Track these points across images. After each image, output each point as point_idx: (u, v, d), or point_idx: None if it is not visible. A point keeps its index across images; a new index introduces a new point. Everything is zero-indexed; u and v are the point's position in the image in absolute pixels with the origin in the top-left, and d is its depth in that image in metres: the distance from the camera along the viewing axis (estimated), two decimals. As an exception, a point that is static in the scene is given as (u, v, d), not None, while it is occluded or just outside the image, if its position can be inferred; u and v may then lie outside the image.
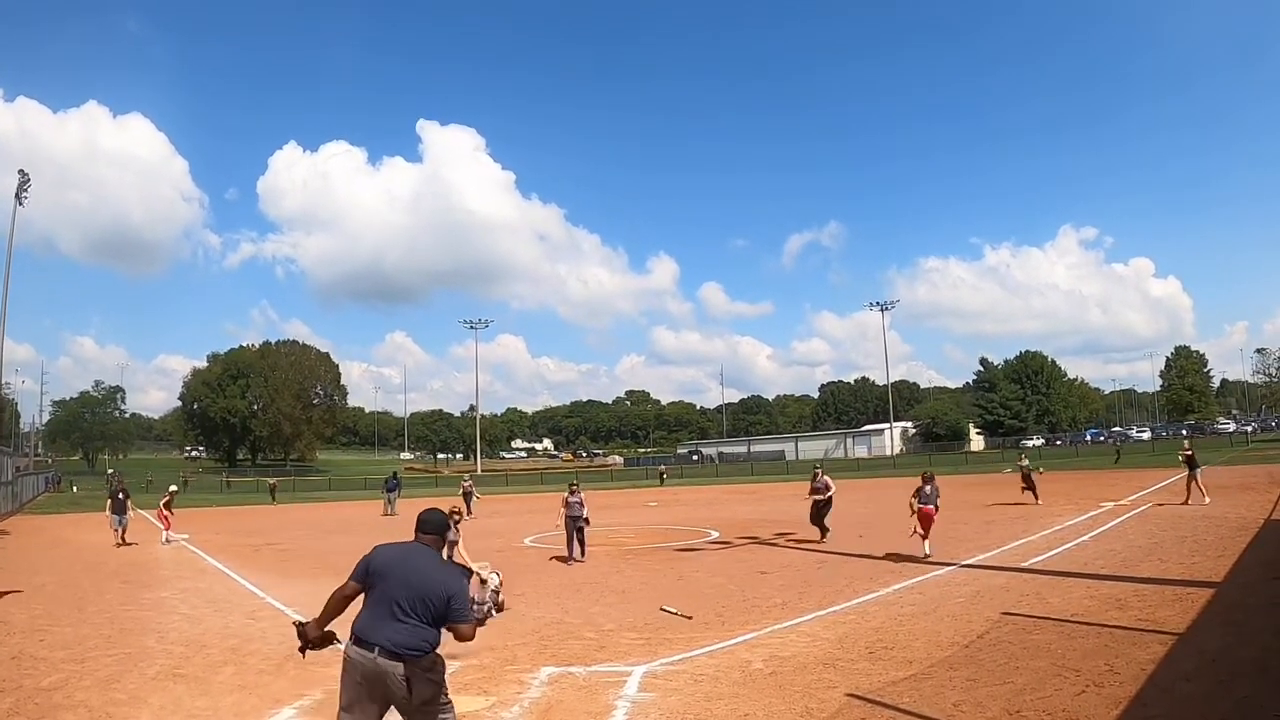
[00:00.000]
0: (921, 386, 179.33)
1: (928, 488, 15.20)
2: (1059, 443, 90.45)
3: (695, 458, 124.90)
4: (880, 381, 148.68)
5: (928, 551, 14.47)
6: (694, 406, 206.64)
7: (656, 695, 6.75)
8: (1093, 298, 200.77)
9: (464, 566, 10.70)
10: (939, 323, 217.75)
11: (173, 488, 27.54)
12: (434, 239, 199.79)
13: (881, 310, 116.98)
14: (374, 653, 4.14)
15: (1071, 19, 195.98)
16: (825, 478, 18.15)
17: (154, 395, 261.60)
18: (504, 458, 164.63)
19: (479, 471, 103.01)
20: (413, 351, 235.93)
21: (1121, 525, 17.46)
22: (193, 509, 39.25)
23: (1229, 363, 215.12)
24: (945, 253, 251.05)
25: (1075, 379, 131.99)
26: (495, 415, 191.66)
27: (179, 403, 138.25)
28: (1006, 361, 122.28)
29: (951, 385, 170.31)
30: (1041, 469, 25.30)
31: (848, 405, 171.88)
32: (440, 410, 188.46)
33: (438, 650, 4.32)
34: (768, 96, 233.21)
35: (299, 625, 4.64)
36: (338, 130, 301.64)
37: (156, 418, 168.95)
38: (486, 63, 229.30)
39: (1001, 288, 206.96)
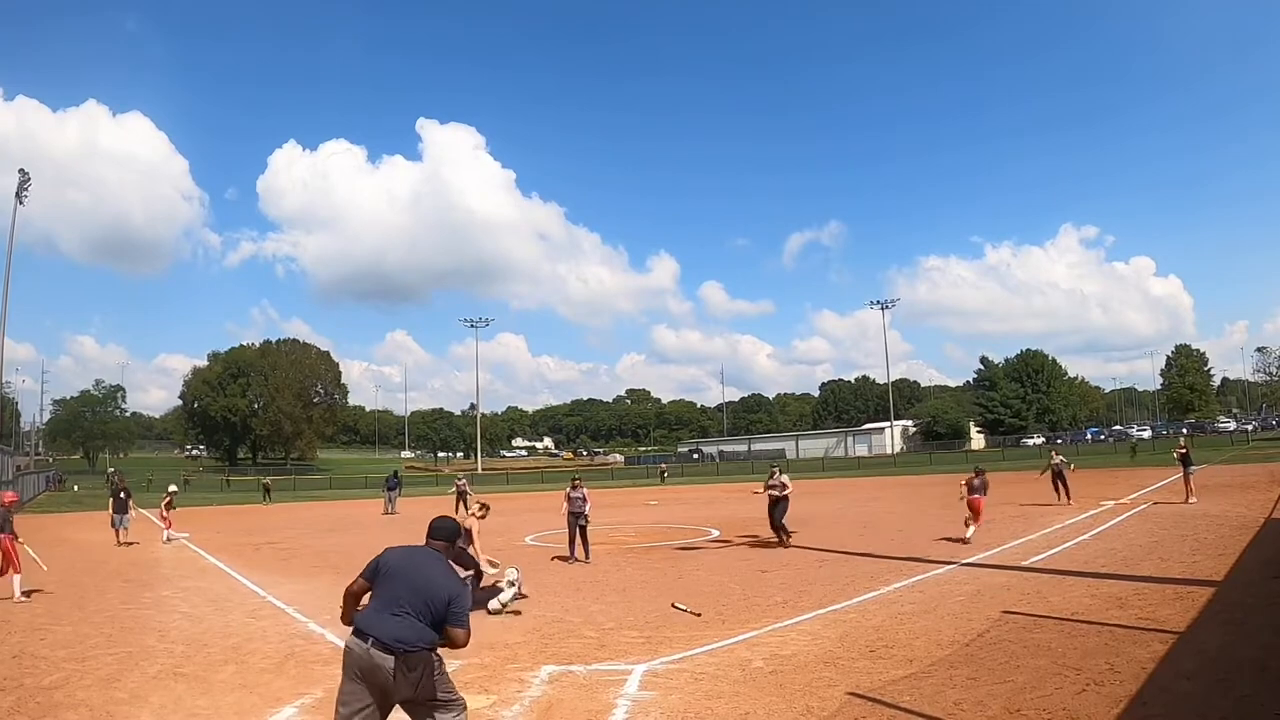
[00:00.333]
0: (922, 385, 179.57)
1: (977, 480, 16.59)
2: (1059, 441, 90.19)
3: (696, 456, 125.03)
4: (881, 380, 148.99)
5: (968, 537, 15.77)
6: (694, 405, 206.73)
7: (657, 694, 6.75)
8: (1093, 296, 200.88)
9: (474, 566, 10.74)
10: (939, 321, 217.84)
11: (172, 488, 27.59)
12: (434, 238, 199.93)
13: (882, 309, 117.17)
14: (368, 644, 4.24)
15: (1072, 17, 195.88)
16: (783, 476, 17.37)
17: (154, 394, 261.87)
18: (505, 456, 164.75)
19: (479, 470, 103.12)
20: (413, 350, 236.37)
21: (1122, 524, 17.46)
22: (193, 508, 39.28)
23: (1229, 361, 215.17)
24: (946, 251, 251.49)
25: (1076, 378, 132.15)
26: (496, 414, 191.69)
27: (179, 402, 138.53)
28: (1007, 360, 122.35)
29: (952, 384, 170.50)
30: (1073, 465, 24.79)
31: (848, 404, 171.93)
32: (441, 409, 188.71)
33: (435, 651, 4.37)
34: (768, 95, 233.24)
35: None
36: (337, 129, 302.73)
37: (157, 417, 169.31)
38: (486, 61, 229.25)
39: (1002, 286, 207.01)
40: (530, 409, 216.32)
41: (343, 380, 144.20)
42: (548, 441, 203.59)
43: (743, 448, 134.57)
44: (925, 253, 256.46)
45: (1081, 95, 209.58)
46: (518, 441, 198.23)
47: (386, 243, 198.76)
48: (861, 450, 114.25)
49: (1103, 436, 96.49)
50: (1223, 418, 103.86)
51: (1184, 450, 22.75)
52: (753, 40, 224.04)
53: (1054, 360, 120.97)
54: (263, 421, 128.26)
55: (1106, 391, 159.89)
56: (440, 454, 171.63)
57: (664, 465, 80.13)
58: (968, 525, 16.05)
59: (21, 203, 52.22)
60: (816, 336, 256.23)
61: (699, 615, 9.95)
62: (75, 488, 65.65)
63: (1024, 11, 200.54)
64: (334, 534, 25.27)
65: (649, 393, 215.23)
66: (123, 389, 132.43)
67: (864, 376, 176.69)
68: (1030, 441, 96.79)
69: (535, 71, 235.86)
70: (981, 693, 6.28)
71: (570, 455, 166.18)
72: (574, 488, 16.08)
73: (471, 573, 10.58)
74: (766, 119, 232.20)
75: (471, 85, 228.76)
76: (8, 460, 42.42)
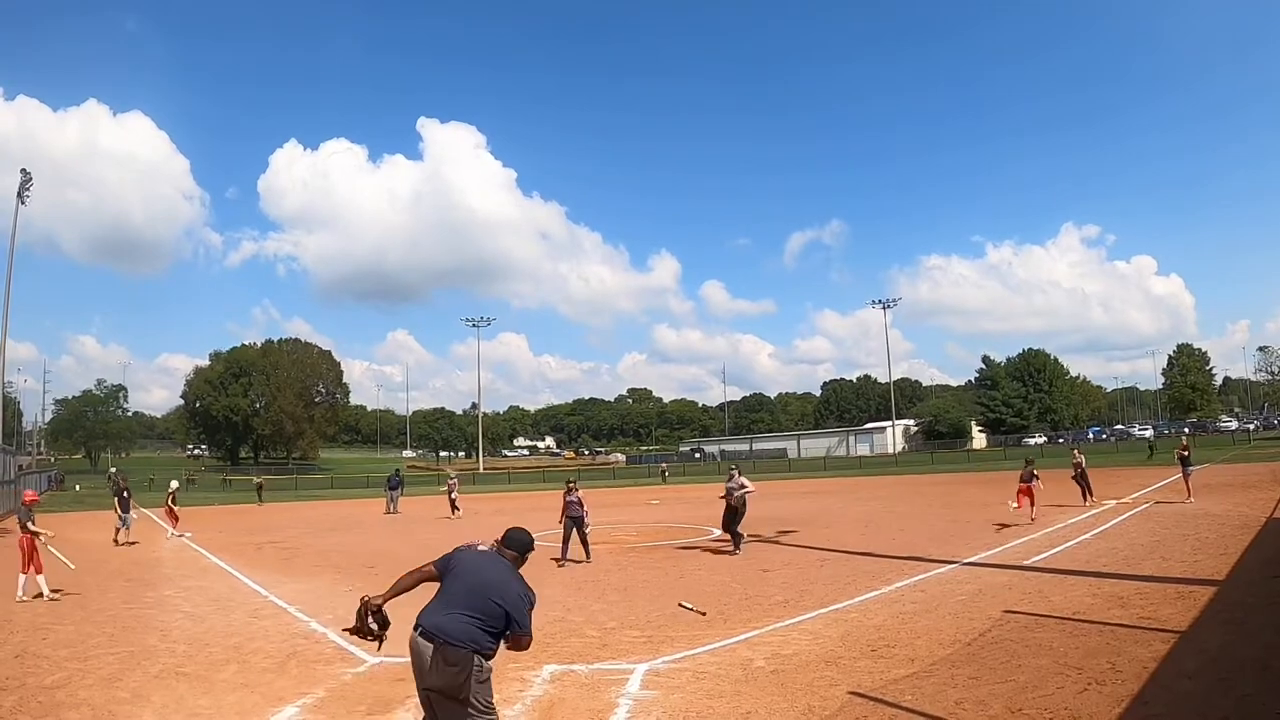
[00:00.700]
0: (923, 384, 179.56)
1: (1028, 469, 19.24)
2: (1061, 440, 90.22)
3: (697, 455, 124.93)
4: (882, 379, 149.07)
5: (1032, 518, 18.32)
6: (696, 404, 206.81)
7: (659, 693, 6.76)
8: (1095, 295, 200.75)
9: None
10: (941, 321, 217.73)
11: (174, 484, 27.64)
12: (435, 237, 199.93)
13: (883, 308, 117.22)
14: (417, 632, 4.45)
15: (1073, 17, 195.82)
16: (742, 478, 16.88)
17: (156, 394, 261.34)
18: (506, 456, 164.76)
19: (481, 470, 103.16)
20: (414, 350, 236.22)
21: (1123, 523, 17.45)
22: (194, 508, 39.27)
23: (1231, 361, 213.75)
24: (947, 251, 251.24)
25: (1077, 377, 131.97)
26: (497, 413, 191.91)
27: (181, 401, 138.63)
28: (1009, 359, 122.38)
29: (953, 383, 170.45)
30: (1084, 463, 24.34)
31: (850, 403, 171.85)
32: (442, 408, 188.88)
33: (483, 654, 4.38)
34: (769, 95, 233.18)
35: (362, 600, 4.97)
36: (338, 128, 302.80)
37: (159, 416, 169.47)
38: (487, 61, 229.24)
39: (1003, 285, 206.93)
40: (532, 408, 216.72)
41: (344, 380, 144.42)
42: (549, 441, 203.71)
43: (744, 447, 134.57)
44: (927, 252, 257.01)
45: (1082, 95, 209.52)
46: (519, 441, 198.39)
47: (388, 242, 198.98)
48: (863, 450, 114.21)
49: (1104, 436, 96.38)
50: (1224, 417, 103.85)
51: (1185, 451, 22.78)
52: (754, 40, 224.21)
53: (1056, 359, 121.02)
54: (264, 421, 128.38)
55: (1108, 391, 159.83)
56: (442, 453, 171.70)
57: (665, 465, 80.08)
58: (1019, 509, 18.66)
59: (24, 203, 52.17)
60: (818, 336, 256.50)
61: (704, 614, 9.96)
62: (77, 487, 65.70)
63: (1025, 11, 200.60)
64: (336, 533, 25.28)
65: (650, 392, 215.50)
66: (124, 389, 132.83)
67: (865, 376, 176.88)
68: (1032, 441, 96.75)
69: (536, 71, 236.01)
70: (983, 692, 6.27)
71: (572, 455, 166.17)
72: (569, 491, 15.98)
73: None
74: (768, 118, 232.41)
75: (472, 85, 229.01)
76: (10, 460, 42.36)
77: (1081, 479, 22.44)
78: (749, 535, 17.17)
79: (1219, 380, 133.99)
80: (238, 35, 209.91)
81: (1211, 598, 9.26)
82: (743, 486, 16.53)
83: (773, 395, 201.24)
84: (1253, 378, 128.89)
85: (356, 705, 6.65)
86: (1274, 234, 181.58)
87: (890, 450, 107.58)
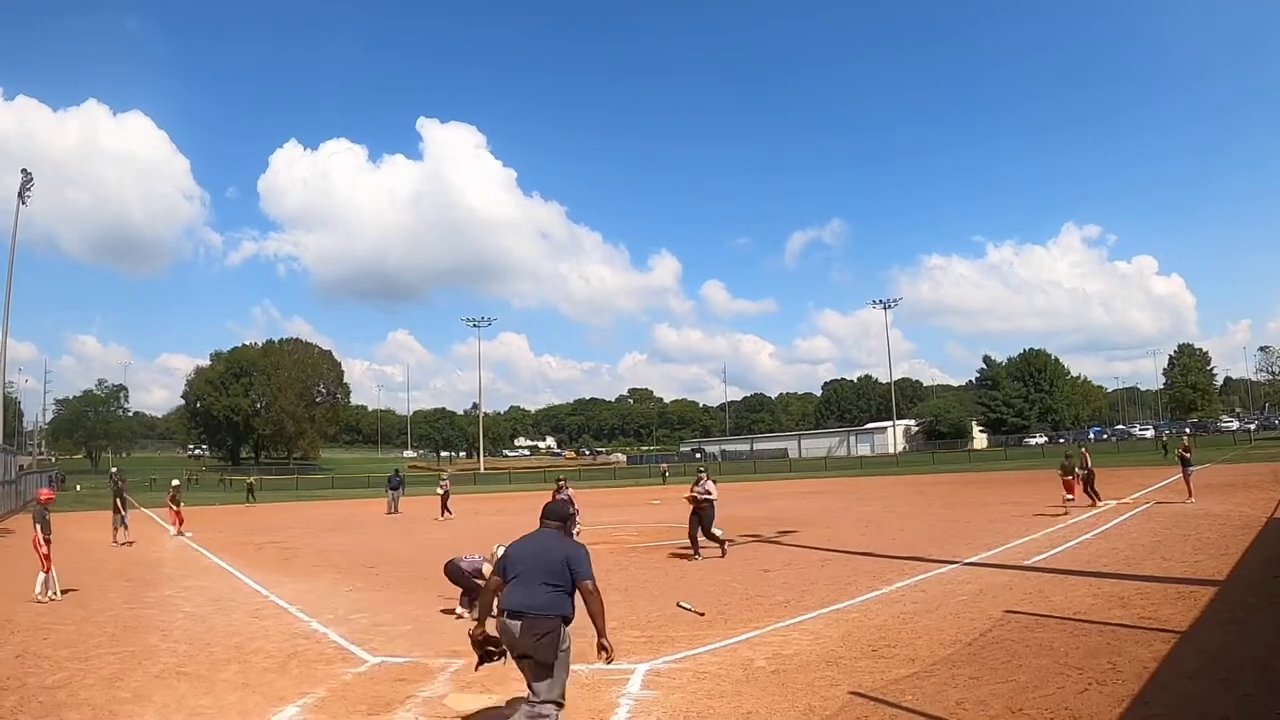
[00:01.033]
0: (924, 384, 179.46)
1: (1069, 462, 21.86)
2: (1061, 440, 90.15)
3: (698, 456, 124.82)
4: (883, 379, 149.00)
5: (1072, 500, 21.17)
6: (697, 404, 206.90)
7: (659, 693, 6.76)
8: (1096, 295, 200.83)
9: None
10: (942, 321, 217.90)
11: (175, 481, 27.68)
12: (435, 237, 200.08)
13: (884, 308, 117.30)
14: (504, 615, 4.99)
15: (1073, 17, 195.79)
16: (708, 483, 16.28)
17: (157, 394, 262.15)
18: (507, 456, 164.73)
19: (482, 470, 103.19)
20: (415, 350, 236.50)
21: (1124, 523, 17.45)
22: (195, 507, 39.25)
23: (1232, 361, 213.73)
24: (948, 250, 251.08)
25: (1078, 377, 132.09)
26: (498, 413, 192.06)
27: (182, 401, 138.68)
28: (1009, 359, 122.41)
29: (954, 383, 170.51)
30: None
31: (850, 403, 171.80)
32: (443, 408, 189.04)
33: (562, 619, 5.04)
34: (770, 94, 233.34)
35: (473, 635, 5.43)
36: (338, 128, 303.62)
37: (160, 416, 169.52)
38: (487, 61, 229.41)
39: (1004, 285, 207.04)
40: (533, 408, 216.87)
41: (345, 380, 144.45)
42: (550, 441, 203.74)
43: (745, 447, 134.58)
44: (927, 251, 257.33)
45: (1083, 94, 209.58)
46: (520, 441, 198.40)
47: (388, 242, 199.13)
48: (864, 450, 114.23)
49: (1105, 436, 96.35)
50: (1225, 417, 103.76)
51: (1187, 450, 22.78)
52: (754, 40, 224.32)
53: (1056, 359, 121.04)
54: (265, 421, 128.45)
55: (1109, 391, 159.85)
56: (443, 453, 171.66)
57: (666, 465, 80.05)
58: (1071, 495, 21.44)
59: (24, 203, 52.17)
60: (819, 336, 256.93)
61: (702, 615, 9.95)
62: (78, 487, 65.70)
63: (1026, 11, 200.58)
64: (336, 533, 25.30)
65: (651, 392, 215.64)
66: (125, 388, 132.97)
67: (866, 376, 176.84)
68: (1033, 441, 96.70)
69: (536, 71, 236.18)
70: (984, 692, 6.27)
71: (573, 455, 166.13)
72: (559, 490, 15.79)
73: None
74: (768, 118, 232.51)
75: (472, 85, 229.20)
76: (11, 460, 42.38)
77: (1088, 481, 22.34)
78: (749, 536, 17.15)
79: (1220, 380, 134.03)
80: (238, 35, 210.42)
81: (1212, 598, 9.26)
82: (708, 492, 16.01)
83: (773, 395, 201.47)
84: (1254, 378, 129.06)
85: (357, 705, 6.65)
86: (1275, 234, 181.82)
87: (891, 450, 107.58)
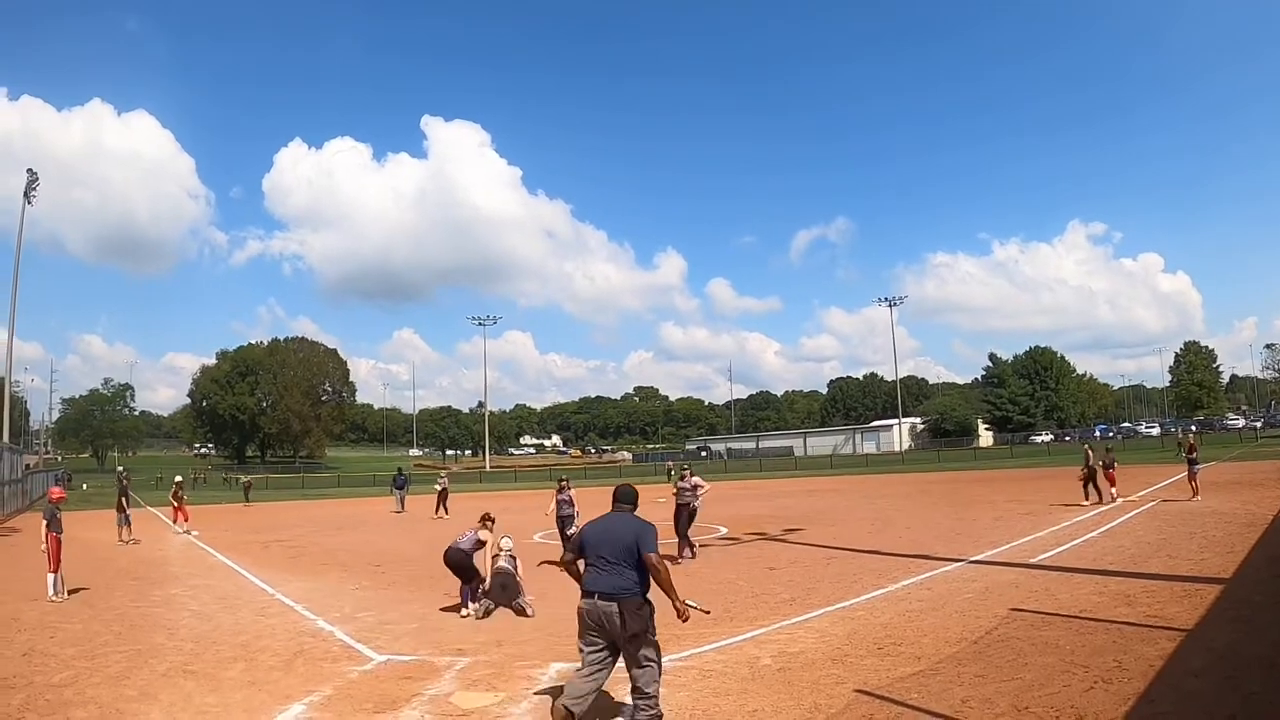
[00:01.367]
0: (930, 382, 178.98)
1: (1109, 456, 22.71)
2: (1068, 439, 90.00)
3: (704, 454, 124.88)
4: (889, 377, 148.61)
5: (1115, 497, 21.68)
6: (702, 402, 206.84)
7: (665, 691, 6.72)
8: (1101, 293, 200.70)
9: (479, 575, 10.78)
10: (947, 318, 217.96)
11: (178, 478, 27.76)
12: (440, 235, 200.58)
13: (890, 306, 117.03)
14: (594, 599, 5.56)
15: (1079, 15, 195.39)
16: (695, 478, 16.00)
17: (163, 393, 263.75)
18: (513, 454, 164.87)
19: (487, 468, 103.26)
20: (420, 348, 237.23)
21: (1130, 521, 17.40)
22: (200, 506, 39.33)
23: (1238, 358, 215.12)
24: (953, 248, 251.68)
25: (1084, 374, 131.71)
26: (504, 412, 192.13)
27: (188, 400, 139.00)
28: (1015, 357, 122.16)
29: (960, 381, 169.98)
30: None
31: (856, 401, 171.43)
32: (449, 407, 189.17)
33: (645, 594, 5.60)
34: (775, 93, 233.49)
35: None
36: (343, 127, 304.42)
37: (166, 415, 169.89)
38: (492, 60, 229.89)
39: (1010, 283, 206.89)
40: (538, 406, 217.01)
41: (350, 378, 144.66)
42: (556, 439, 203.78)
43: (750, 445, 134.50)
44: (933, 249, 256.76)
45: (1089, 92, 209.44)
46: (526, 439, 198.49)
47: (393, 241, 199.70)
48: (869, 448, 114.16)
49: (1111, 434, 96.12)
50: (1231, 414, 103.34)
51: (1193, 449, 22.70)
52: (760, 38, 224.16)
53: (1062, 357, 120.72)
54: (271, 420, 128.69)
55: (1115, 388, 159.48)
56: (448, 452, 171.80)
57: (671, 463, 79.94)
58: (1111, 487, 22.14)
59: (30, 203, 52.25)
60: (824, 334, 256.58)
61: (708, 613, 9.93)
62: (84, 486, 65.87)
63: (1031, 9, 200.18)
64: (342, 532, 25.34)
65: (657, 390, 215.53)
66: (131, 388, 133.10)
67: (872, 374, 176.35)
68: (1039, 439, 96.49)
69: (541, 70, 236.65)
70: (989, 690, 6.26)
71: (578, 453, 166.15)
72: (560, 490, 15.61)
73: (478, 581, 10.69)
74: (772, 117, 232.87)
75: (476, 83, 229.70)
76: (17, 459, 42.54)
77: (1092, 478, 22.14)
78: (755, 534, 17.11)
79: (1226, 378, 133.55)
80: (242, 34, 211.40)
81: (1218, 596, 9.23)
82: (697, 487, 15.74)
83: (779, 393, 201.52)
84: (1260, 375, 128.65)
85: (363, 703, 6.66)
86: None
87: (897, 448, 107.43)
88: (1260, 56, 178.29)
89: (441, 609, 11.00)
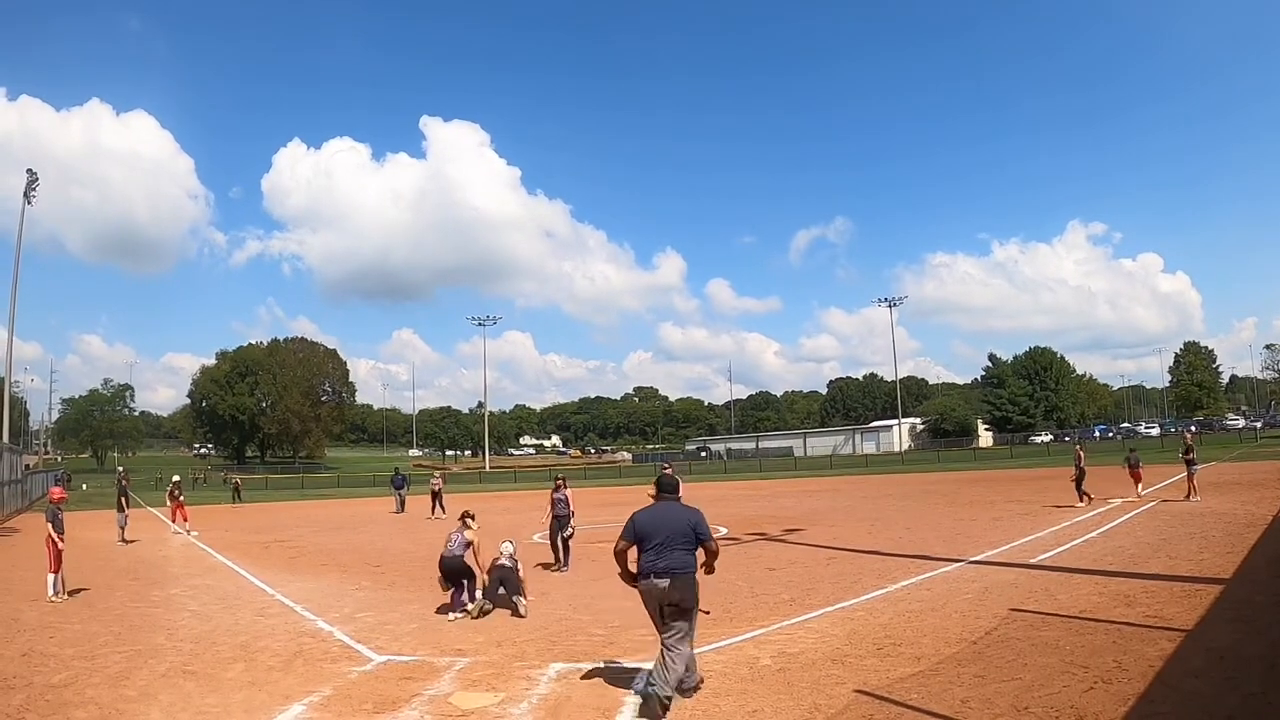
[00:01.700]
0: (930, 383, 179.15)
1: (1134, 455, 23.62)
2: (1067, 439, 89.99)
3: (704, 454, 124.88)
4: (888, 377, 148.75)
5: (1140, 493, 22.47)
6: (702, 403, 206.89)
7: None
8: (1101, 293, 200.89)
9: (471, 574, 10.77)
10: (947, 319, 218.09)
11: (176, 478, 27.76)
12: (439, 236, 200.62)
13: (889, 306, 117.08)
14: (652, 578, 6.33)
15: (1080, 15, 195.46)
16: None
17: (163, 393, 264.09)
18: (512, 454, 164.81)
19: (487, 469, 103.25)
20: (420, 349, 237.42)
21: (1130, 522, 17.40)
22: (199, 506, 39.34)
23: (1238, 358, 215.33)
24: (953, 248, 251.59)
25: (1084, 375, 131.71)
26: (503, 412, 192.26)
27: (188, 400, 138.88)
28: (1015, 357, 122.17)
29: (960, 381, 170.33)
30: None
31: (856, 401, 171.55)
32: (448, 407, 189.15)
33: (694, 571, 6.38)
34: (775, 93, 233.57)
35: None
36: (341, 127, 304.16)
37: (165, 415, 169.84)
38: (491, 59, 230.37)
39: (1010, 283, 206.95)
40: (538, 407, 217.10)
41: (350, 379, 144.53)
42: (556, 440, 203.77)
43: (750, 446, 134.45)
44: (933, 250, 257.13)
45: (1089, 92, 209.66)
46: (526, 440, 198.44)
47: (392, 241, 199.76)
48: (869, 448, 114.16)
49: (1111, 434, 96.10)
50: (1231, 415, 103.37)
51: (1190, 451, 22.63)
52: (759, 37, 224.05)
53: (1062, 357, 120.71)
54: (271, 420, 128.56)
55: (1115, 389, 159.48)
56: (448, 452, 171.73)
57: (671, 463, 80.00)
58: (1137, 485, 22.92)
59: (30, 203, 52.22)
60: (824, 334, 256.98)
61: (708, 613, 9.93)
62: (84, 486, 65.85)
63: (1031, 10, 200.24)
64: (342, 532, 25.32)
65: (656, 390, 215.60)
66: (131, 388, 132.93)
67: (872, 374, 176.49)
68: (1039, 439, 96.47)
69: (539, 69, 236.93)
70: (989, 690, 6.26)
71: (578, 453, 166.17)
72: (557, 489, 15.32)
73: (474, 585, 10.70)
74: (773, 116, 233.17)
75: (475, 83, 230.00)
76: (17, 459, 42.50)
77: (1079, 480, 22.04)
78: (755, 534, 17.08)
79: (1226, 378, 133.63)
80: (240, 34, 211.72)
81: (1218, 596, 9.24)
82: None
83: (779, 393, 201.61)
84: (1259, 375, 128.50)
85: (362, 704, 6.66)
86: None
87: (896, 448, 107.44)
88: (1260, 56, 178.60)
89: (440, 610, 11.00)
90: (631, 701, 6.50)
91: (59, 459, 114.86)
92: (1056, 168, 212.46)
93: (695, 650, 8.08)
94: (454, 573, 10.63)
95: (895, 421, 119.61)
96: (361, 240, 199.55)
